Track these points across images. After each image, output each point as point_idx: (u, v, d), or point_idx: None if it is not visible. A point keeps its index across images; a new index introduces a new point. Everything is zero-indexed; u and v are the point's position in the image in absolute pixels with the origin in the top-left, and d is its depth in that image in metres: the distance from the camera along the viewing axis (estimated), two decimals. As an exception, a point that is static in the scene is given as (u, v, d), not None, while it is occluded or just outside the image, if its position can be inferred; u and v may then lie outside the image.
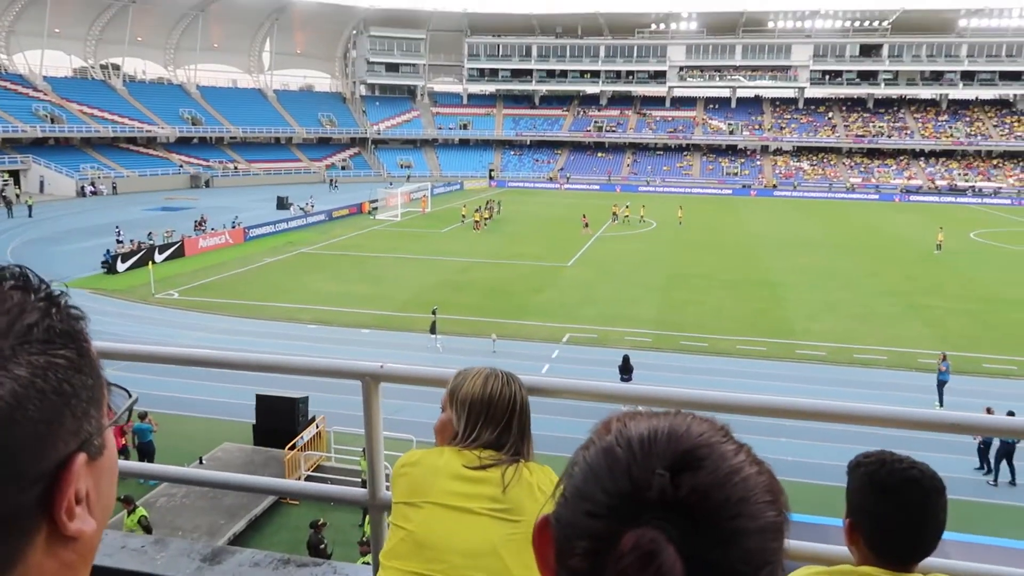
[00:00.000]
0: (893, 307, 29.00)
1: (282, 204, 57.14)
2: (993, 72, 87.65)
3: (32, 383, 0.64)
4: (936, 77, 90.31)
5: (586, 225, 47.32)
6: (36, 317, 0.67)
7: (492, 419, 1.76)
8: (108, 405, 0.72)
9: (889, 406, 1.92)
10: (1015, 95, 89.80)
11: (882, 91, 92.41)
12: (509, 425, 1.76)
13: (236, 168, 79.19)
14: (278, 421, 16.45)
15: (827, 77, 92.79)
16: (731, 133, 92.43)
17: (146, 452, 15.30)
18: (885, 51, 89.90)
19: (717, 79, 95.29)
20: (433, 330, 23.76)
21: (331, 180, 78.28)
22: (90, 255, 35.48)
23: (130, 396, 0.77)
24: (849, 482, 1.67)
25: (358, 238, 45.43)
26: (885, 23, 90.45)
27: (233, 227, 43.66)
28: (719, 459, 0.66)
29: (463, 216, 51.99)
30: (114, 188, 66.72)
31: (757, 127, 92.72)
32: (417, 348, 23.29)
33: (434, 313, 24.18)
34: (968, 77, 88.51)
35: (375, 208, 57.59)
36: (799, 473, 14.83)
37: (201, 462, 15.23)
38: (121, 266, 33.78)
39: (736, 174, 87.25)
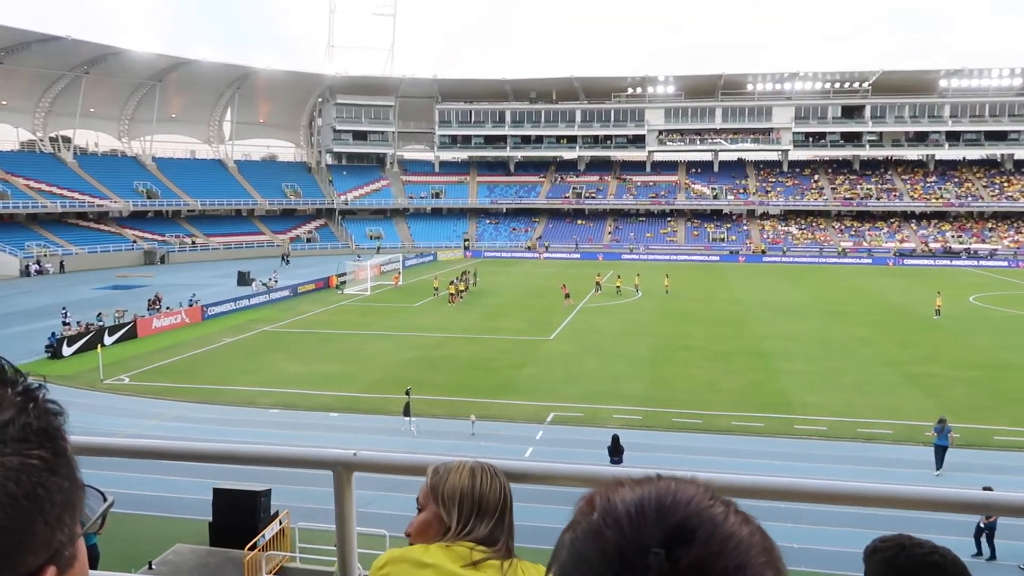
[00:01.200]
0: (892, 376, 29.22)
1: (243, 280, 57.02)
2: (978, 132, 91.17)
3: (4, 487, 0.61)
4: (921, 138, 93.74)
5: (567, 296, 47.63)
6: (11, 414, 0.65)
7: (485, 513, 1.76)
8: (82, 509, 0.70)
9: (902, 485, 1.90)
10: (1002, 155, 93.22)
11: (867, 152, 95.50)
12: (502, 519, 1.76)
13: (194, 243, 79.28)
14: (237, 517, 15.94)
15: (810, 139, 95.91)
16: (715, 197, 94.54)
17: (89, 557, 14.72)
18: (868, 112, 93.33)
19: (698, 142, 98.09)
20: (407, 412, 23.49)
21: (284, 255, 77.32)
22: (33, 339, 34.91)
23: (105, 500, 0.75)
24: (866, 570, 1.64)
25: (325, 314, 45.35)
26: (866, 84, 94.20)
27: (190, 305, 43.42)
28: (712, 526, 0.66)
29: (435, 288, 52.32)
30: (61, 266, 66.26)
31: (742, 191, 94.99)
32: (391, 432, 22.98)
33: (408, 393, 23.96)
34: (953, 137, 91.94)
35: (343, 282, 57.63)
36: (808, 561, 14.63)
37: (151, 567, 14.67)
38: (67, 350, 33.23)
39: (723, 240, 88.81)
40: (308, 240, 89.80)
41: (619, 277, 55.30)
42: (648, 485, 0.70)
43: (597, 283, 55.08)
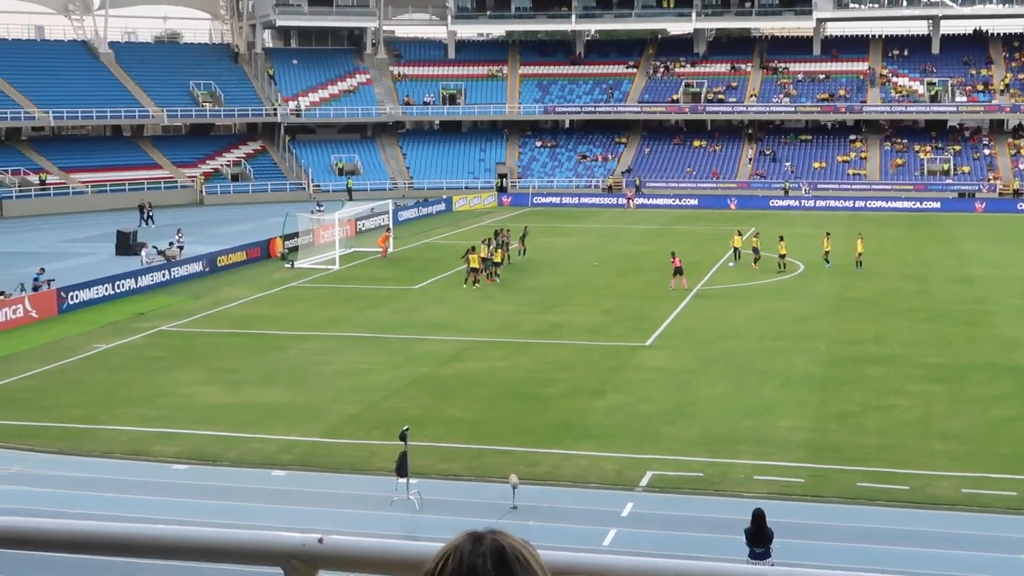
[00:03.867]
0: None
1: (126, 245, 57.70)
2: None
3: None
4: None
5: (678, 271, 47.30)
6: None
7: None
8: None
9: None
10: None
11: None
12: None
13: (43, 182, 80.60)
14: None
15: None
16: (934, 99, 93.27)
17: None
18: None
19: (904, 3, 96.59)
20: (402, 470, 23.58)
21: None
22: None
23: None
24: None
25: (264, 303, 45.46)
26: None
27: (36, 289, 43.80)
28: None
29: (465, 258, 51.50)
30: None
31: (982, 87, 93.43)
32: (374, 503, 23.14)
33: (404, 439, 24.03)
34: None
35: (293, 249, 57.97)
36: None
37: None
38: None
39: (947, 172, 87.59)
40: (234, 178, 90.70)
41: (781, 240, 53.65)
42: None
43: (735, 248, 54.64)
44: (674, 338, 38.29)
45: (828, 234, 53.81)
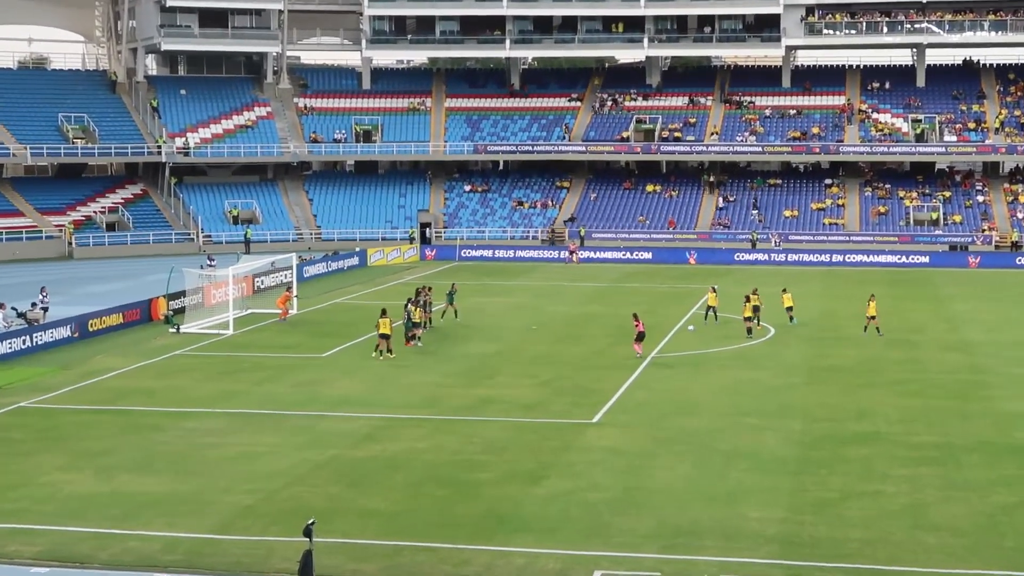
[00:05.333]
0: None
1: (-20, 307, 57.06)
2: None
3: None
4: None
5: (640, 336, 47.29)
6: None
7: None
8: None
9: None
10: None
11: None
12: None
13: None
14: None
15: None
16: (920, 138, 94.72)
17: None
18: None
19: (883, 29, 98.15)
20: (307, 571, 23.30)
21: None
22: None
23: None
24: None
25: (142, 375, 45.22)
26: None
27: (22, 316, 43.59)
28: None
29: (377, 323, 51.71)
30: None
31: (974, 125, 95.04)
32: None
33: (309, 535, 23.77)
34: None
35: (178, 311, 57.60)
36: None
37: None
38: None
39: (936, 222, 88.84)
40: (110, 227, 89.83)
41: (749, 297, 54.75)
42: None
43: (710, 307, 55.52)
44: (626, 414, 38.10)
45: (784, 291, 55.67)
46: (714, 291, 56.55)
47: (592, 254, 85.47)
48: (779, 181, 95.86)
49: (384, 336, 47.68)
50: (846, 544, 25.99)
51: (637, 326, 47.73)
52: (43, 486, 30.67)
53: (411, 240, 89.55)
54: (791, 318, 54.36)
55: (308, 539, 23.30)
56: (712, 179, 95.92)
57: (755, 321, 52.85)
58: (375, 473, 31.62)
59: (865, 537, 26.37)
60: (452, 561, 24.83)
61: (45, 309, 55.95)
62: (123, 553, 25.99)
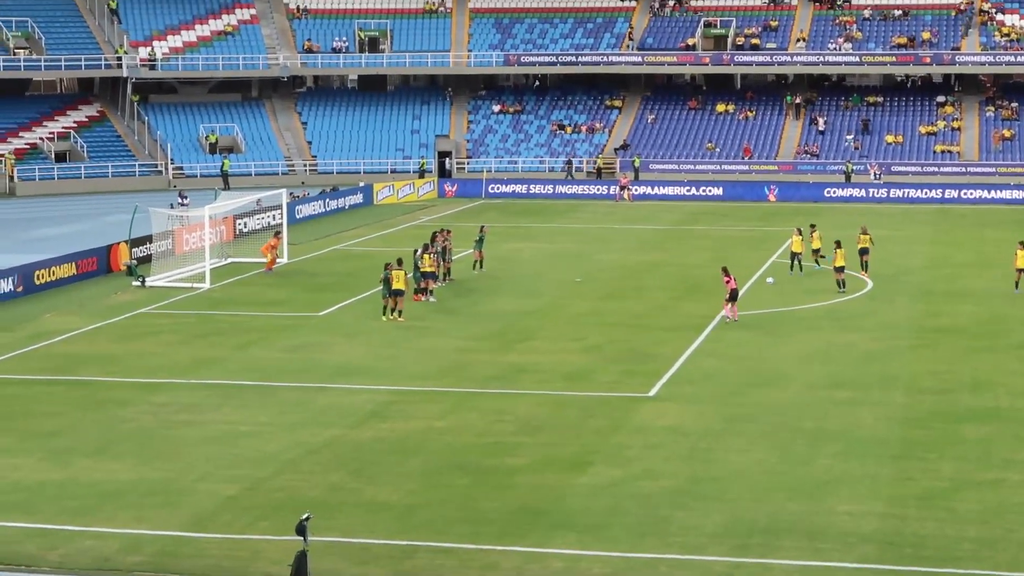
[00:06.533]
0: None
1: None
2: None
3: None
4: None
5: (732, 296, 46.99)
6: None
7: None
8: None
9: None
10: None
11: None
12: None
13: None
14: None
15: None
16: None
17: None
18: None
19: None
20: (300, 573, 23.45)
21: None
22: None
23: None
24: None
25: (100, 338, 45.48)
26: None
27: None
28: None
29: (385, 276, 51.35)
30: None
31: None
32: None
33: (303, 533, 23.84)
34: None
35: (142, 260, 57.52)
36: None
37: None
38: None
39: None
40: (60, 157, 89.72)
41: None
42: None
43: (794, 254, 56.49)
44: (689, 386, 37.82)
45: (864, 231, 56.16)
46: (799, 234, 56.16)
47: (648, 190, 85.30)
48: (880, 99, 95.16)
49: (397, 292, 46.92)
50: (959, 544, 25.70)
51: (728, 282, 46.80)
52: (-19, 470, 30.81)
53: (421, 174, 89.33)
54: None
55: (302, 538, 23.34)
56: (798, 98, 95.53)
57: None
58: (383, 458, 31.36)
59: (982, 536, 26.08)
60: (476, 564, 24.67)
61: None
62: (78, 554, 25.94)
